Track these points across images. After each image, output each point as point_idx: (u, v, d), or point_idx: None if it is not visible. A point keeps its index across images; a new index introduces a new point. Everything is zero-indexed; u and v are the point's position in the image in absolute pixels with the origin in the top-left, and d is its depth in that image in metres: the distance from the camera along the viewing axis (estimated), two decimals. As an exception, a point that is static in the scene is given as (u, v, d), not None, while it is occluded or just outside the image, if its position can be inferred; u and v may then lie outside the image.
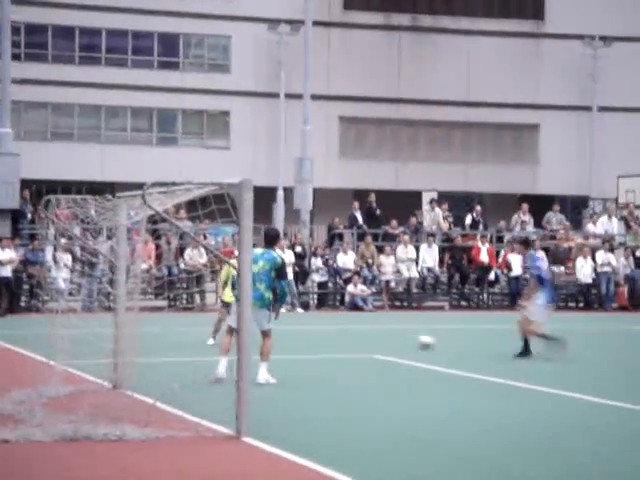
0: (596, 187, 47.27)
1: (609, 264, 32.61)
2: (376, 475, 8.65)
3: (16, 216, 31.87)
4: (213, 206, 11.74)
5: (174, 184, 11.68)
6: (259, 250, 14.02)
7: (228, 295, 16.81)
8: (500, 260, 32.97)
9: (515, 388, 14.22)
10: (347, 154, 48.08)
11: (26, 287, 28.70)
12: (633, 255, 33.49)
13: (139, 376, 12.84)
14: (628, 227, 35.36)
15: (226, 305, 17.54)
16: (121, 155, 44.76)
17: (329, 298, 32.45)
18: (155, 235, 30.48)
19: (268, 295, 13.87)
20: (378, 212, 34.61)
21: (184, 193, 12.23)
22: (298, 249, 32.08)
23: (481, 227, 34.41)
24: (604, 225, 35.23)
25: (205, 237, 30.70)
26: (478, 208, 35.40)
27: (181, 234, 30.44)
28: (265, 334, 14.09)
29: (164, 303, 28.69)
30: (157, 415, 10.79)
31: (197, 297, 30.09)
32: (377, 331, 23.56)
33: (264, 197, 36.62)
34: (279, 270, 13.97)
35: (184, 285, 30.61)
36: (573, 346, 21.18)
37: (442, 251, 33.22)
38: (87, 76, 44.46)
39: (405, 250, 32.17)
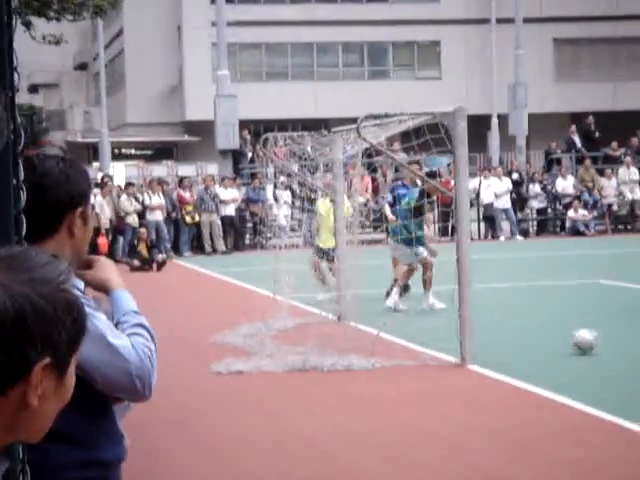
0: None
1: None
2: (610, 400, 8.55)
3: (237, 156, 32.74)
4: (427, 136, 11.75)
5: (387, 116, 11.75)
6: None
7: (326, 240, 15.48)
8: None
9: None
10: (562, 77, 46.90)
11: (249, 225, 29.51)
12: None
13: (362, 308, 13.07)
14: None
15: (321, 252, 15.63)
16: (334, 91, 45.14)
17: (549, 224, 31.97)
18: (371, 168, 30.71)
19: None
20: (597, 134, 33.70)
21: (398, 124, 12.29)
22: (515, 176, 31.67)
23: None
24: None
25: (420, 168, 30.67)
26: None
27: (396, 166, 30.54)
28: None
29: (382, 236, 28.95)
30: (382, 345, 10.98)
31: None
32: (601, 256, 23.07)
33: (478, 125, 36.21)
34: None
35: (402, 217, 30.74)
36: None
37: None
38: (298, 14, 44.93)
39: (627, 172, 31.24)
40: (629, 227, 31.55)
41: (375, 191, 30.88)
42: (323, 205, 16.12)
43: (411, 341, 11.39)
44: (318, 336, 11.14)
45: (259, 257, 15.87)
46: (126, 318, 2.79)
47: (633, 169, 31.33)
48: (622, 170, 31.22)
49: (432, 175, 16.73)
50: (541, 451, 7.16)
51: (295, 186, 29.18)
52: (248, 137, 33.62)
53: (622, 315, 13.42)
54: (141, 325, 2.80)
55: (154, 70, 44.92)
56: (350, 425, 8.13)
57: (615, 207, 31.34)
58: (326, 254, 15.50)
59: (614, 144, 32.89)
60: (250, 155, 32.71)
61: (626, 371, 9.92)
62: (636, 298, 15.21)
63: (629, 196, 31.09)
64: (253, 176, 30.55)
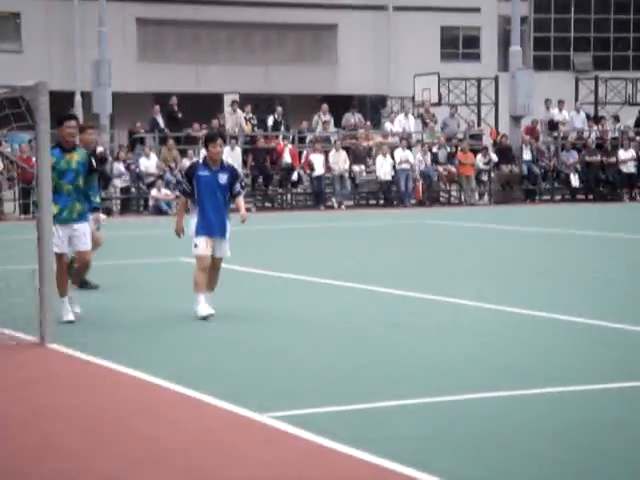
0: (394, 86, 48.04)
1: (407, 161, 33.36)
2: (184, 371, 8.73)
3: None
4: (7, 110, 11.42)
5: (-36, 88, 11.28)
6: None
7: None
8: (303, 160, 33.28)
9: (323, 285, 14.51)
10: (146, 57, 47.20)
11: None
12: (430, 151, 34.36)
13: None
14: (425, 124, 36.19)
15: None
16: None
17: (132, 203, 32.13)
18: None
19: None
20: (180, 115, 34.27)
21: (-24, 97, 11.82)
22: (99, 149, 31.52)
23: (283, 128, 34.56)
24: (401, 123, 35.93)
25: (0, 143, 29.83)
26: (280, 109, 35.48)
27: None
28: None
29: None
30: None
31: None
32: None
33: (62, 102, 35.64)
34: None
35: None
36: (376, 242, 21.83)
37: (245, 153, 33.26)
38: None
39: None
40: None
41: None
42: None
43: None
44: None
45: None
46: None
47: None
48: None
49: None
50: (122, 427, 7.18)
51: None
52: None
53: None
54: None
55: None
56: None
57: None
58: None
59: (196, 125, 33.61)
60: None
61: (201, 343, 10.19)
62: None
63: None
64: None
